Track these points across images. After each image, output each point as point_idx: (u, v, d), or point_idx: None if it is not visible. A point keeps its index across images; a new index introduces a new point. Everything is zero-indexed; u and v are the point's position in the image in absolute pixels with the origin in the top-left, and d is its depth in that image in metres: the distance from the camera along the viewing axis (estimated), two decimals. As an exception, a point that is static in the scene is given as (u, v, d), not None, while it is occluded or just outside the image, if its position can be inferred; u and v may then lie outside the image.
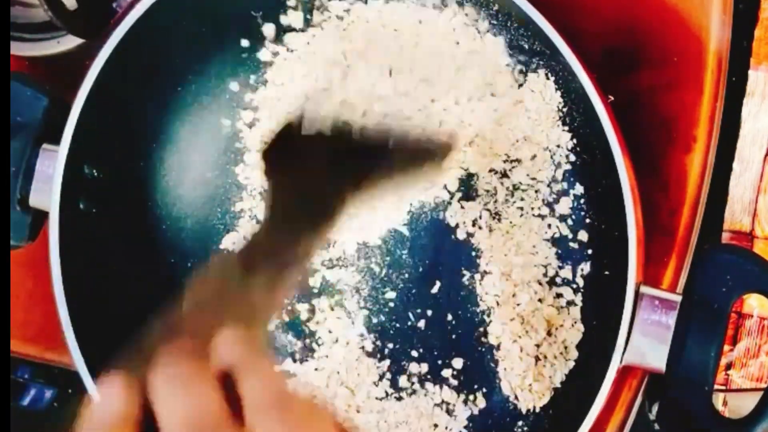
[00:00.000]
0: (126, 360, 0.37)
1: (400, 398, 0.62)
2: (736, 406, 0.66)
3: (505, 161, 0.61)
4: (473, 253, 0.62)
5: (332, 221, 0.48)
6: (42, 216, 0.57)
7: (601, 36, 0.61)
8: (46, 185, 0.57)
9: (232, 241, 0.64)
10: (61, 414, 0.75)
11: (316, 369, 0.63)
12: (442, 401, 0.62)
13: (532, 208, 0.61)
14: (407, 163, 0.53)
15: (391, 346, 0.62)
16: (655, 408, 0.54)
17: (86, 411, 0.34)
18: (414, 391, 0.62)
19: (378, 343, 0.62)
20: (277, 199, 0.48)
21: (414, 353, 0.62)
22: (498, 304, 0.61)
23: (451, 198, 0.62)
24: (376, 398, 0.62)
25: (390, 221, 0.62)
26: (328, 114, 0.51)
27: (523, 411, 0.60)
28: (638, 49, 0.61)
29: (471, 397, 0.61)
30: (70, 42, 0.67)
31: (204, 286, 0.42)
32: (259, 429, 0.33)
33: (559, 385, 0.59)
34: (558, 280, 0.60)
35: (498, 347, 0.61)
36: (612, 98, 0.59)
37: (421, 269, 0.62)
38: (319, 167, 0.50)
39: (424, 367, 0.62)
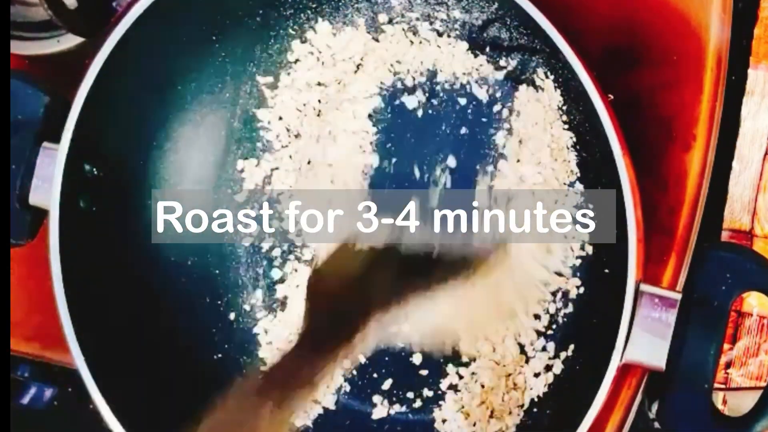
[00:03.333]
0: None
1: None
2: (735, 404, 0.66)
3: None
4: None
5: (354, 346, 0.49)
6: (41, 214, 0.57)
7: (601, 35, 0.61)
8: (46, 183, 0.57)
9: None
10: (61, 413, 0.75)
11: None
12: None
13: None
14: (446, 274, 0.53)
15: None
16: (654, 406, 0.54)
17: None
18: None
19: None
20: (311, 326, 0.50)
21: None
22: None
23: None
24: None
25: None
26: (378, 231, 0.53)
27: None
28: (638, 48, 0.61)
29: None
30: (70, 41, 0.67)
31: (220, 417, 0.45)
32: None
33: (558, 383, 0.59)
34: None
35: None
36: (612, 97, 0.59)
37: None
38: (356, 289, 0.51)
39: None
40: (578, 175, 0.60)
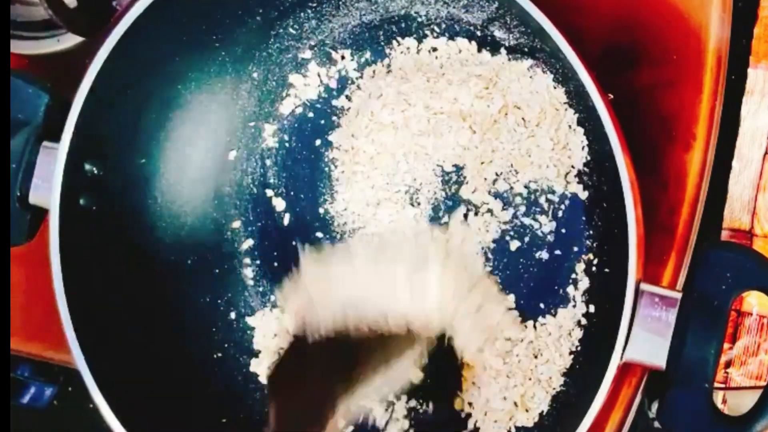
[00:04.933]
0: None
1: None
2: (735, 404, 0.66)
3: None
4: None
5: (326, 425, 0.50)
6: (41, 213, 0.57)
7: (601, 34, 0.61)
8: (47, 183, 0.57)
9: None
10: (61, 412, 0.75)
11: None
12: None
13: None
14: (400, 345, 0.54)
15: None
16: (654, 405, 0.54)
17: None
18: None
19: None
20: (277, 422, 0.51)
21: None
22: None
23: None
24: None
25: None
26: (326, 317, 0.53)
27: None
28: (638, 47, 0.61)
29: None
30: (70, 40, 0.67)
31: None
32: None
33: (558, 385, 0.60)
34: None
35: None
36: (612, 96, 0.59)
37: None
38: (316, 376, 0.52)
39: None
40: (578, 173, 0.60)
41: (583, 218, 0.61)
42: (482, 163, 0.62)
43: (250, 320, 0.66)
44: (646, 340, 0.51)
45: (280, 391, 0.52)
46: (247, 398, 0.64)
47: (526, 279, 0.62)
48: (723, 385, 0.66)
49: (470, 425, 0.61)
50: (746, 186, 0.66)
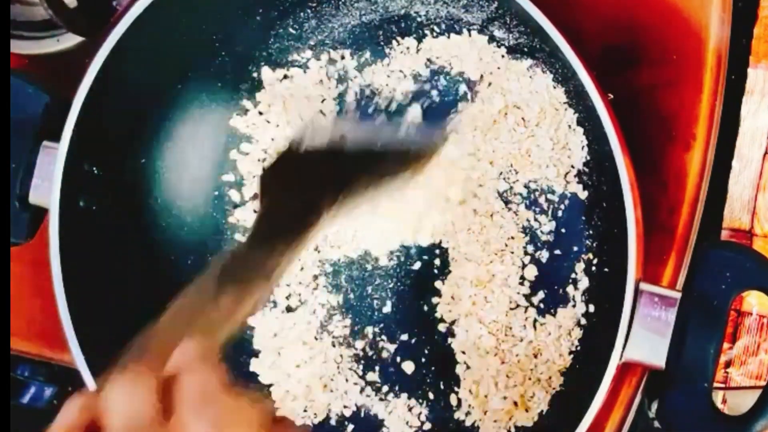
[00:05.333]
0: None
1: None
2: (735, 403, 0.66)
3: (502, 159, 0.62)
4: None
5: (306, 237, 0.49)
6: (41, 213, 0.57)
7: (600, 34, 0.61)
8: (46, 182, 0.57)
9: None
10: (60, 412, 0.75)
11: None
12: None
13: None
14: (392, 167, 0.54)
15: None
16: (654, 405, 0.54)
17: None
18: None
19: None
20: (263, 217, 0.50)
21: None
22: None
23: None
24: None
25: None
26: (325, 128, 0.52)
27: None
28: (638, 47, 0.61)
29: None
30: (70, 40, 0.67)
31: (181, 302, 0.45)
32: (180, 422, 0.36)
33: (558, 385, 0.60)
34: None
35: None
36: (611, 96, 0.59)
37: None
38: (306, 184, 0.51)
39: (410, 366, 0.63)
40: (578, 173, 0.60)
41: (583, 218, 0.61)
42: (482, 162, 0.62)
43: (249, 320, 0.65)
44: (646, 339, 0.52)
45: (270, 190, 0.52)
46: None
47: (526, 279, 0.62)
48: (723, 385, 0.66)
49: (469, 424, 0.61)
50: (746, 186, 0.66)
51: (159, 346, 0.41)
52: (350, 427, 0.63)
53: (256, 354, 0.65)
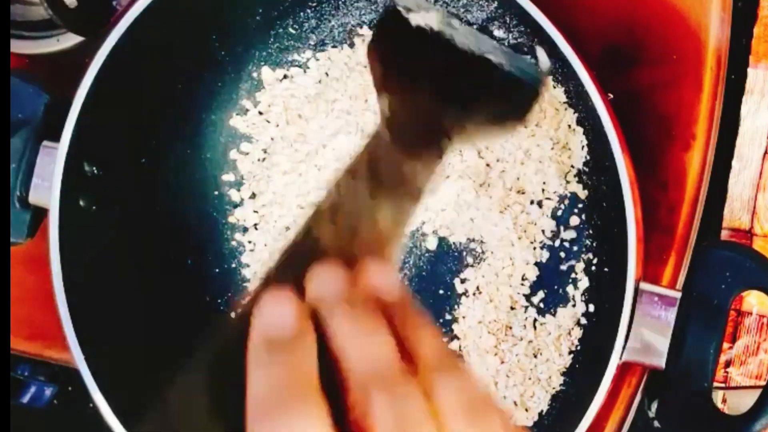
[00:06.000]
0: (279, 275, 0.38)
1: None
2: (735, 403, 0.66)
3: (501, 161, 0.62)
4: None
5: (443, 154, 0.45)
6: (41, 213, 0.57)
7: (600, 34, 0.61)
8: (46, 182, 0.57)
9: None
10: (61, 412, 0.75)
11: None
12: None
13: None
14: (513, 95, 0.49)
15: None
16: (654, 405, 0.54)
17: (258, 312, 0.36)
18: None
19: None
20: (390, 114, 0.45)
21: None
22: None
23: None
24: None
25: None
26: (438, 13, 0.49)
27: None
28: (638, 47, 0.61)
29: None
30: (70, 40, 0.67)
31: (334, 205, 0.41)
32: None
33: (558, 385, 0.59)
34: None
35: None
36: (611, 96, 0.59)
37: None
38: (425, 85, 0.46)
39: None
40: (578, 173, 0.60)
41: (583, 218, 0.61)
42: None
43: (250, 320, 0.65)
44: (646, 339, 0.51)
45: (394, 105, 0.47)
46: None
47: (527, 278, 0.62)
48: (723, 385, 0.66)
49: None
50: (746, 185, 0.66)
51: (335, 251, 0.38)
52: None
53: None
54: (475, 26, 0.61)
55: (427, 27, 0.46)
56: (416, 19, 0.45)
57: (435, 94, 0.46)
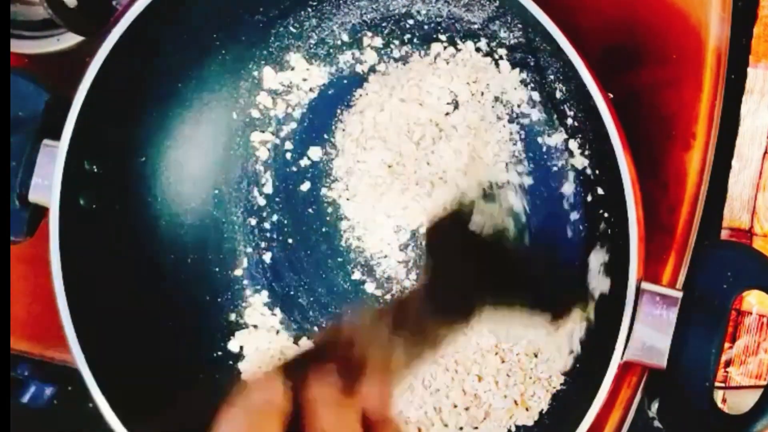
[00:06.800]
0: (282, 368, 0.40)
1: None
2: (735, 403, 0.66)
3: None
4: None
5: (470, 318, 0.49)
6: (40, 211, 0.57)
7: (601, 33, 0.61)
8: (47, 181, 0.57)
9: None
10: (61, 411, 0.75)
11: None
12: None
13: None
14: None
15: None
16: (654, 405, 0.54)
17: (242, 389, 0.38)
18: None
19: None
20: (435, 271, 0.50)
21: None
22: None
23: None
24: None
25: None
26: (492, 218, 0.54)
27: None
28: (638, 47, 0.61)
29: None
30: (70, 40, 0.67)
31: (352, 328, 0.44)
32: None
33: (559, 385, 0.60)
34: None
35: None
36: (612, 96, 0.59)
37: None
38: (469, 264, 0.52)
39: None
40: (579, 173, 0.60)
41: (584, 218, 0.61)
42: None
43: (249, 319, 0.65)
44: (647, 339, 0.51)
45: (435, 263, 0.52)
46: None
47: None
48: (723, 385, 0.66)
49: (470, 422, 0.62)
50: (746, 185, 0.66)
51: (339, 360, 0.41)
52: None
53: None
54: (476, 25, 0.61)
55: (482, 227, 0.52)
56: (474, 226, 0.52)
57: (477, 271, 0.51)
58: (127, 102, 0.59)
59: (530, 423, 0.60)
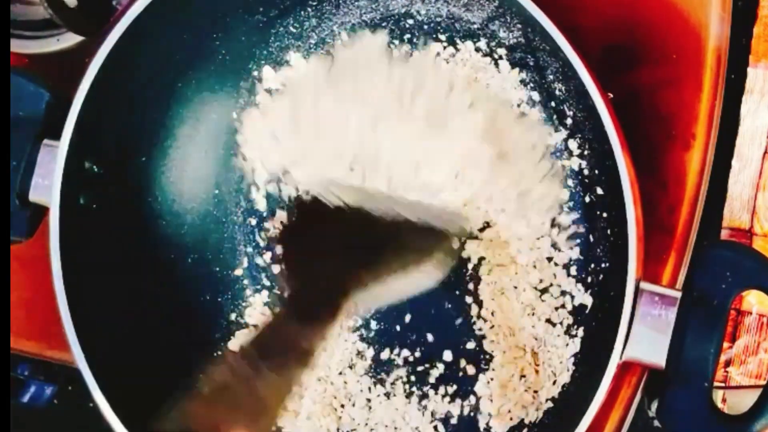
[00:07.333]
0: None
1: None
2: (735, 403, 0.66)
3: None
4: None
5: (338, 315, 0.48)
6: (41, 211, 0.57)
7: (600, 33, 0.61)
8: (47, 180, 0.57)
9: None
10: (61, 411, 0.75)
11: None
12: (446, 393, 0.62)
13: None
14: (419, 245, 0.53)
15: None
16: (654, 404, 0.54)
17: None
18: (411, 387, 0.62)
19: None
20: (289, 287, 0.50)
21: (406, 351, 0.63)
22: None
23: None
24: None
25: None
26: (348, 187, 0.52)
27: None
28: (638, 47, 0.61)
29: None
30: (70, 40, 0.67)
31: (214, 382, 0.43)
32: None
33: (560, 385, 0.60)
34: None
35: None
36: (611, 95, 0.59)
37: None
38: (330, 252, 0.51)
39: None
40: (579, 173, 0.60)
41: (584, 218, 0.61)
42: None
43: (250, 319, 0.66)
44: (646, 338, 0.51)
45: (294, 273, 0.51)
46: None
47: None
48: (723, 384, 0.66)
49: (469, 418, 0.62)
50: (746, 185, 0.66)
51: (204, 425, 0.41)
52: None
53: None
54: (475, 25, 0.62)
55: (345, 205, 0.49)
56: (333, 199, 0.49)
57: (337, 258, 0.50)
58: (127, 102, 0.59)
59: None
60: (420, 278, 0.53)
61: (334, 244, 0.51)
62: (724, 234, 0.66)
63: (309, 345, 0.46)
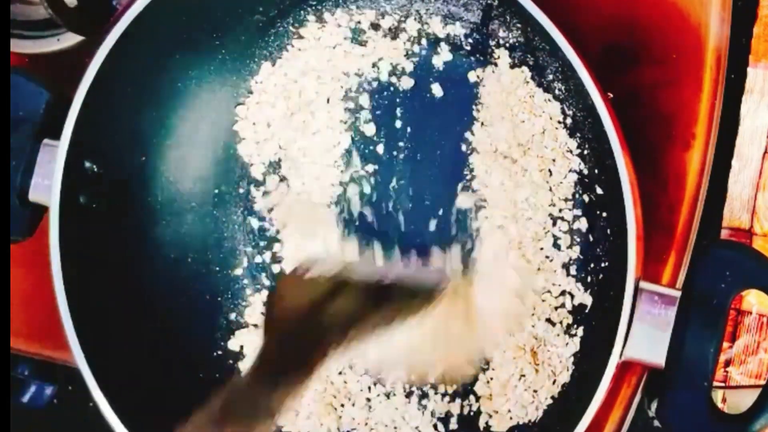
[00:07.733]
0: None
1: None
2: (735, 403, 0.66)
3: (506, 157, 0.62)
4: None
5: (310, 378, 0.48)
6: (40, 210, 0.57)
7: (600, 32, 0.61)
8: (47, 180, 0.57)
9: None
10: (61, 411, 0.75)
11: None
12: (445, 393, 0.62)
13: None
14: (402, 303, 0.53)
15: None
16: (654, 404, 0.54)
17: None
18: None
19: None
20: (266, 353, 0.50)
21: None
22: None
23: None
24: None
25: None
26: (332, 262, 0.53)
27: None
28: (637, 46, 0.61)
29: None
30: (70, 39, 0.67)
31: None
32: None
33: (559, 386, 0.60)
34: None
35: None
36: (611, 95, 0.59)
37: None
38: (311, 319, 0.51)
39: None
40: (578, 173, 0.60)
41: (583, 218, 0.61)
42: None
43: (250, 319, 0.66)
44: (646, 338, 0.51)
45: (273, 323, 0.52)
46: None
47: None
48: (722, 384, 0.66)
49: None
50: (746, 185, 0.66)
51: None
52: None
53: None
54: (474, 25, 0.62)
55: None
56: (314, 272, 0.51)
57: (316, 321, 0.51)
58: (127, 102, 0.59)
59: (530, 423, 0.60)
60: (402, 322, 0.54)
61: (311, 307, 0.52)
62: (724, 234, 0.67)
63: (277, 406, 0.46)
